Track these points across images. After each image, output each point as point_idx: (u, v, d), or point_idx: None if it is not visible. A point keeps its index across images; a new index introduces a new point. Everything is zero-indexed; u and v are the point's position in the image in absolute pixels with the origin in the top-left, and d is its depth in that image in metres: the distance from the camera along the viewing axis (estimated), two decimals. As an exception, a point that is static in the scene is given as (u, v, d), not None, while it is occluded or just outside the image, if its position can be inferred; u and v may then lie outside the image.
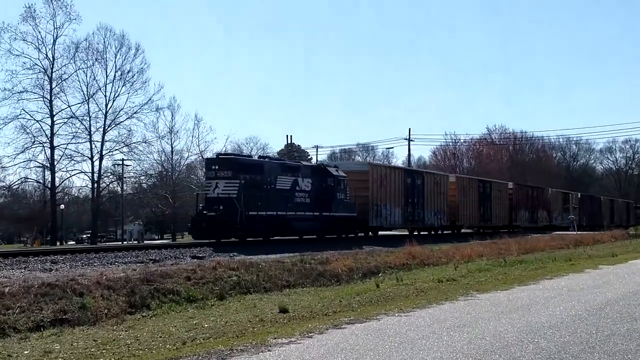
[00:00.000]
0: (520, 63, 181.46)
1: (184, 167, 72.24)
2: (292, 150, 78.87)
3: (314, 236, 31.69)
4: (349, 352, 7.90)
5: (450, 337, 8.58)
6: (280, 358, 7.76)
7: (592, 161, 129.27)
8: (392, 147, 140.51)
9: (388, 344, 8.23)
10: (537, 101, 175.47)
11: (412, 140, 73.83)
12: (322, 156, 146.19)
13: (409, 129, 73.89)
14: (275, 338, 9.05)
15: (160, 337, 10.01)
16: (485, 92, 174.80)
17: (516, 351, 7.64)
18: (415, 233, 39.64)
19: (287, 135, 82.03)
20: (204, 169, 32.14)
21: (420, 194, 41.46)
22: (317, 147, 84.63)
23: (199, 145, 68.67)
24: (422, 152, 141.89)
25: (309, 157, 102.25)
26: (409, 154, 77.77)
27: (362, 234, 35.37)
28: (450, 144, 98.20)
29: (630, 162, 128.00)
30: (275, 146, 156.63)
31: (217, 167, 28.17)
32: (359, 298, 13.61)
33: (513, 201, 54.23)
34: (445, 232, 43.00)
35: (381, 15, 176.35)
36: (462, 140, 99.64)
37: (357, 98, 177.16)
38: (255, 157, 35.78)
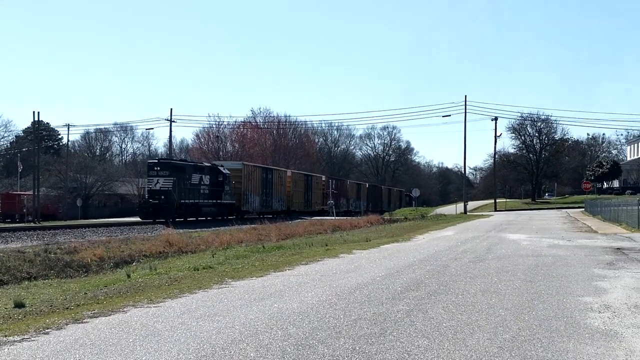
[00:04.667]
0: (284, 46, 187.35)
1: None
2: (40, 129, 73.66)
3: (210, 218, 43.39)
4: (89, 347, 7.26)
5: (200, 327, 8.22)
6: (10, 358, 6.92)
7: (352, 147, 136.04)
8: (152, 128, 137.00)
9: (132, 337, 7.69)
10: (301, 85, 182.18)
11: (174, 122, 72.53)
12: (75, 135, 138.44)
13: (171, 109, 72.60)
14: (6, 336, 8.10)
15: None
16: (251, 75, 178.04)
17: (265, 338, 7.48)
18: (262, 216, 49.40)
19: (34, 112, 76.13)
20: (146, 169, 42.41)
21: (270, 186, 54.19)
22: (68, 125, 79.90)
23: None
24: (185, 134, 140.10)
25: (60, 137, 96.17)
26: (171, 136, 76.43)
27: (233, 217, 45.65)
28: (214, 126, 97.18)
29: (387, 149, 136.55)
30: (21, 123, 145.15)
31: (158, 168, 39.51)
32: (106, 289, 12.77)
33: (325, 190, 67.24)
34: (282, 214, 53.61)
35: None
36: (225, 123, 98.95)
37: (115, 75, 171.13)
38: (178, 160, 47.82)
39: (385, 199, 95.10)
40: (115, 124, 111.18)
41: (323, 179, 69.67)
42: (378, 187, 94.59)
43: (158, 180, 38.91)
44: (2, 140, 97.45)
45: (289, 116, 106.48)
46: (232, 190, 46.62)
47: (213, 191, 43.94)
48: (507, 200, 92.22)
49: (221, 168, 45.98)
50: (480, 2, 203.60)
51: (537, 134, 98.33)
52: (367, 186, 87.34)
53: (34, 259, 16.88)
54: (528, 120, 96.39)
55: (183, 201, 39.52)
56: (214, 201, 44.07)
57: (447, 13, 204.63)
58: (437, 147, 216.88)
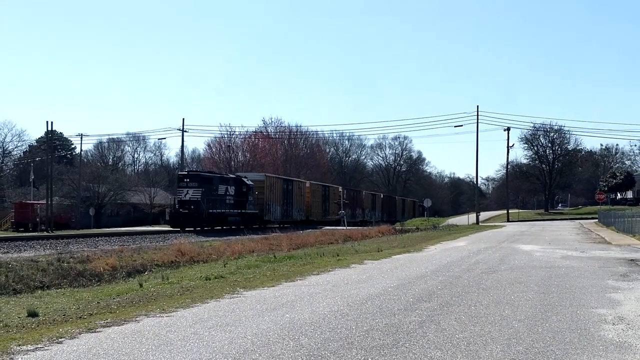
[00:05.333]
0: (296, 54, 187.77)
1: None
2: (53, 138, 74.07)
3: (235, 227, 44.69)
4: (102, 357, 7.28)
5: (212, 337, 8.23)
6: (23, 367, 6.96)
7: (364, 157, 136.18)
8: (165, 138, 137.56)
9: (145, 347, 7.71)
10: (314, 95, 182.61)
11: (186, 131, 72.87)
12: (88, 145, 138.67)
13: (183, 119, 73.18)
14: (19, 345, 8.13)
15: None
16: (263, 84, 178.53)
17: (277, 349, 7.47)
18: (282, 225, 52.52)
19: (47, 122, 76.75)
20: (176, 180, 45.46)
21: (291, 196, 56.82)
22: (81, 135, 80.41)
23: None
24: (197, 143, 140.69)
25: (73, 146, 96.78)
26: (183, 145, 76.74)
27: (256, 226, 47.82)
28: (226, 136, 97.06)
29: (398, 159, 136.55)
30: (33, 133, 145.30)
31: (187, 179, 41.84)
32: (119, 299, 12.82)
33: (338, 200, 68.69)
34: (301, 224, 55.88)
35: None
36: (237, 133, 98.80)
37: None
38: (206, 172, 49.23)
39: (399, 209, 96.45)
40: (127, 133, 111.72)
41: (340, 189, 71.43)
42: (392, 198, 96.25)
43: (187, 191, 41.46)
44: (15, 149, 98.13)
45: (300, 126, 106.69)
46: (256, 201, 48.92)
47: (238, 201, 46.27)
48: (520, 210, 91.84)
49: (245, 179, 48.28)
50: (491, 11, 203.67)
51: (549, 145, 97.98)
52: (381, 197, 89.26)
53: (47, 268, 16.95)
54: (541, 130, 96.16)
55: (211, 211, 41.88)
56: (239, 211, 46.41)
57: (458, 22, 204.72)
58: (448, 158, 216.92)
